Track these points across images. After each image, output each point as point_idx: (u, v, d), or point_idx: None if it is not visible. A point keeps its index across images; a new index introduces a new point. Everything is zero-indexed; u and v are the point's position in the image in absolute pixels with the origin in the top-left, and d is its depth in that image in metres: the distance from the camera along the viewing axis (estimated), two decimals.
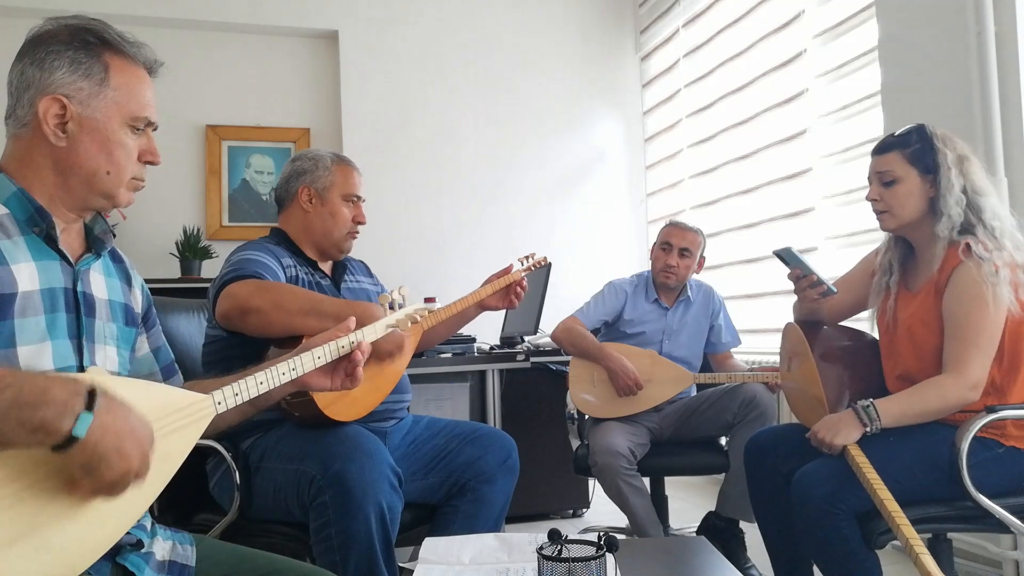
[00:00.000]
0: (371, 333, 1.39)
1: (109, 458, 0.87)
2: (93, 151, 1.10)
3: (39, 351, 1.02)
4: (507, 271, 2.14)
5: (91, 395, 0.86)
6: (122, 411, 0.90)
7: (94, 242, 1.17)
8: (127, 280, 1.26)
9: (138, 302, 1.27)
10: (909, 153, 1.80)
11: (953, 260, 1.72)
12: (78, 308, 1.10)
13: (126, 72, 1.12)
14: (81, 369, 1.07)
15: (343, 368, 1.31)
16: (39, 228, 1.07)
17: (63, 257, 1.10)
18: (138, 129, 1.14)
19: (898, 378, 1.85)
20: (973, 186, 1.76)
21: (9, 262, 1.02)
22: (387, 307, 1.54)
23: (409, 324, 1.54)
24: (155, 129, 1.17)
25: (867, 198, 1.86)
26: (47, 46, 1.09)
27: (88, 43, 1.10)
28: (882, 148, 1.85)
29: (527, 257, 2.26)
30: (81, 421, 0.84)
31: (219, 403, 1.10)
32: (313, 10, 4.28)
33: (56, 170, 1.09)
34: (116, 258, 1.25)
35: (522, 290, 2.13)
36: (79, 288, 1.11)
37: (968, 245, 1.71)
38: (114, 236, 1.21)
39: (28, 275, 1.03)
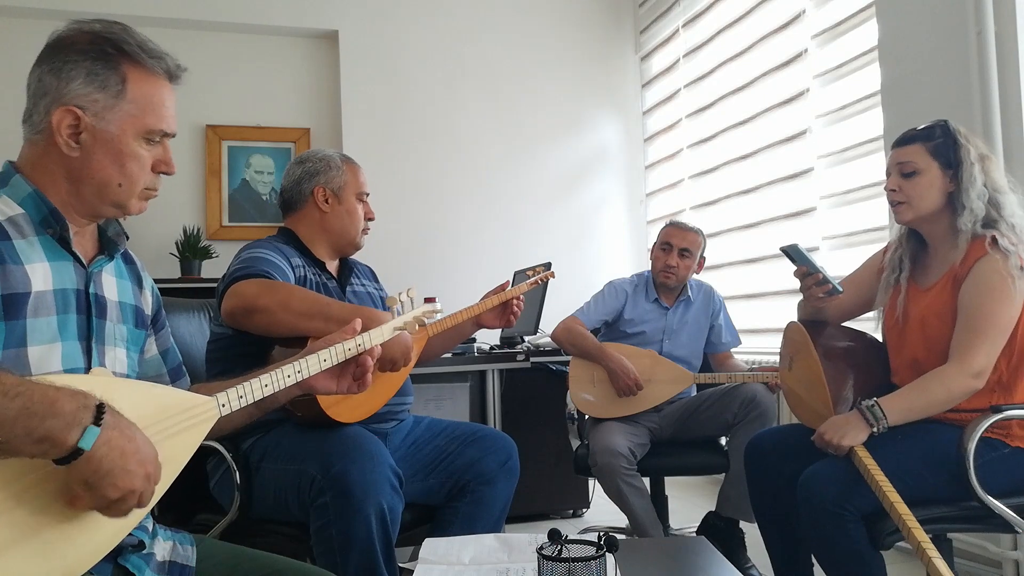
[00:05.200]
0: (378, 336, 1.39)
1: (113, 474, 0.87)
2: (106, 163, 1.09)
3: (49, 352, 1.03)
4: (503, 287, 2.12)
5: (99, 410, 0.86)
6: (129, 431, 0.90)
7: (107, 244, 1.18)
8: (138, 282, 1.26)
9: (148, 304, 1.27)
10: (932, 147, 1.80)
11: (978, 252, 1.72)
12: (89, 310, 1.10)
13: (144, 84, 1.11)
14: (88, 371, 1.07)
15: (350, 372, 1.31)
16: (53, 230, 1.08)
17: (76, 259, 1.10)
18: (154, 140, 1.13)
19: (907, 367, 1.84)
20: (994, 184, 1.77)
21: (24, 262, 1.02)
22: (394, 310, 1.54)
23: (417, 327, 1.53)
24: (173, 137, 1.16)
25: (886, 188, 1.85)
26: (65, 54, 1.08)
27: (107, 53, 1.09)
28: (904, 140, 1.85)
29: (532, 270, 2.25)
30: (88, 434, 0.84)
31: (223, 405, 1.10)
32: (313, 10, 4.28)
33: (68, 178, 1.09)
34: (128, 260, 1.26)
35: (519, 309, 2.11)
36: (91, 290, 1.11)
37: (995, 238, 1.71)
38: (127, 238, 1.21)
39: (42, 275, 1.04)
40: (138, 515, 0.99)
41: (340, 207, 1.97)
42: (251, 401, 1.14)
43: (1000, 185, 1.78)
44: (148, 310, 1.27)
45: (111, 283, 1.17)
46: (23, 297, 1.00)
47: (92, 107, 1.07)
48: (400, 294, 1.56)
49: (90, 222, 1.15)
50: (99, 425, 0.85)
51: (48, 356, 1.02)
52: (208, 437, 1.10)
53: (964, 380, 1.67)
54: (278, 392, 1.20)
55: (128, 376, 1.16)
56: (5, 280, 0.99)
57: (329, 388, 1.30)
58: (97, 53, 1.08)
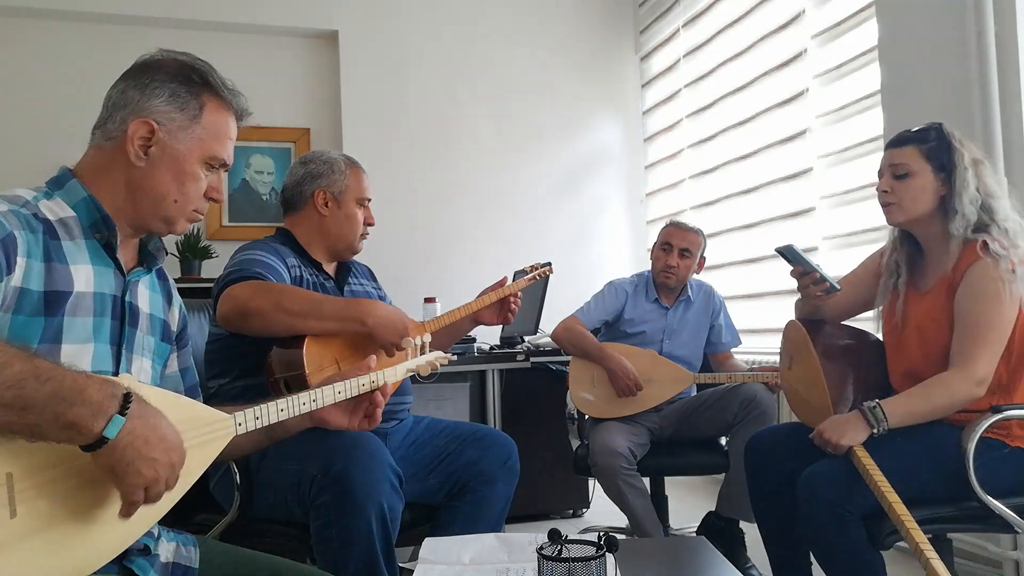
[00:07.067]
0: (391, 375, 1.42)
1: (136, 464, 0.89)
2: (168, 178, 1.15)
3: (81, 351, 1.05)
4: (502, 283, 2.12)
5: (126, 399, 0.89)
6: (154, 420, 0.93)
7: (146, 257, 1.22)
8: (168, 298, 1.30)
9: (175, 320, 1.31)
10: (926, 149, 1.79)
11: (970, 257, 1.73)
12: (123, 317, 1.13)
13: (218, 114, 1.20)
14: (115, 375, 1.09)
15: (363, 408, 1.36)
16: (101, 235, 1.12)
17: (117, 266, 1.14)
18: (212, 167, 1.19)
19: (904, 375, 1.85)
20: (986, 188, 1.77)
21: (70, 262, 1.06)
22: (408, 352, 1.57)
23: (428, 371, 1.56)
24: (227, 170, 1.23)
25: (878, 189, 1.85)
26: (153, 74, 1.15)
27: (191, 80, 1.17)
28: (898, 141, 1.85)
29: (531, 267, 2.25)
30: (113, 423, 0.87)
31: (240, 424, 1.13)
32: (313, 10, 4.28)
33: (128, 187, 1.14)
34: (162, 276, 1.30)
35: (516, 305, 2.11)
36: (127, 298, 1.14)
37: (985, 243, 1.71)
38: (167, 254, 1.25)
39: (85, 277, 1.07)
40: (149, 519, 1.01)
41: (340, 212, 1.97)
42: (267, 423, 1.17)
43: (993, 190, 1.78)
44: (174, 326, 1.30)
45: (144, 295, 1.21)
46: (64, 296, 1.04)
47: (168, 124, 1.14)
48: (414, 338, 1.59)
49: (135, 234, 1.19)
50: (124, 415, 0.88)
51: (80, 355, 1.05)
52: (219, 457, 1.12)
53: (967, 387, 1.67)
54: (290, 420, 1.24)
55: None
56: (50, 277, 1.03)
57: (341, 423, 1.35)
58: (183, 78, 1.17)
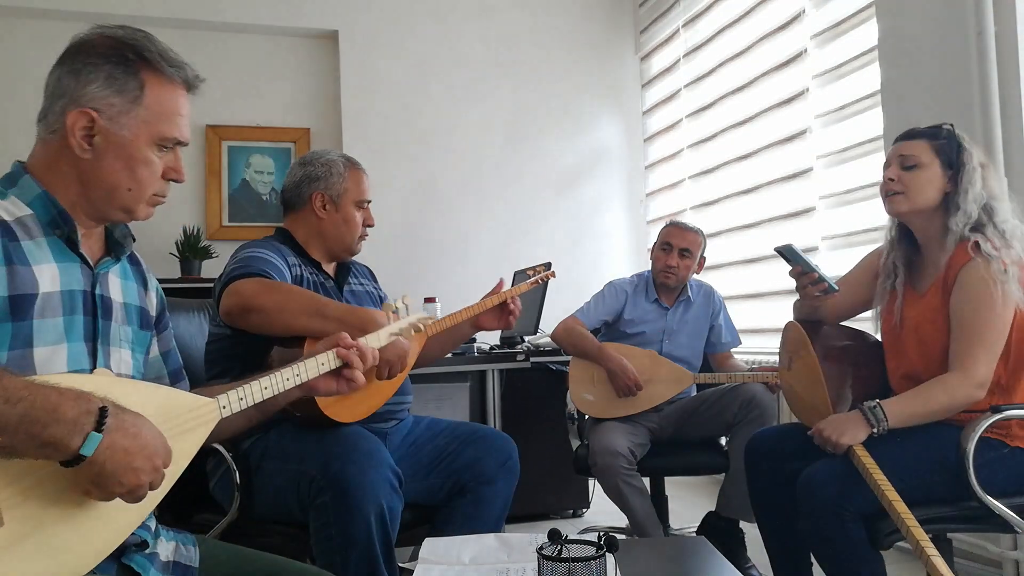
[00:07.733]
0: (375, 340, 1.40)
1: (117, 475, 0.88)
2: (117, 167, 1.09)
3: (54, 353, 1.03)
4: (498, 288, 2.12)
5: (102, 413, 0.87)
6: (134, 428, 0.90)
7: (114, 246, 1.18)
8: (143, 283, 1.26)
9: (152, 305, 1.28)
10: (936, 145, 1.80)
11: (962, 258, 1.73)
12: (95, 311, 1.11)
13: (161, 91, 1.11)
14: (92, 372, 1.07)
15: (346, 373, 1.34)
16: (61, 231, 1.08)
17: (83, 260, 1.11)
18: (166, 147, 1.13)
19: (903, 377, 1.85)
20: (990, 190, 1.78)
21: (32, 263, 1.03)
22: (390, 315, 1.55)
23: (412, 333, 1.54)
24: (185, 146, 1.17)
25: (885, 178, 1.85)
26: (86, 57, 1.09)
27: (127, 59, 1.09)
28: (909, 135, 1.86)
29: (532, 270, 2.24)
30: (89, 440, 0.85)
31: (224, 407, 1.11)
32: (313, 10, 4.28)
33: (79, 180, 1.10)
34: (133, 260, 1.26)
35: (515, 308, 2.10)
36: (97, 291, 1.12)
37: (977, 243, 1.71)
38: (134, 240, 1.21)
39: (49, 276, 1.04)
40: (141, 513, 1.00)
41: (337, 215, 1.96)
42: (251, 403, 1.15)
43: (996, 192, 1.79)
44: (152, 311, 1.27)
45: (116, 284, 1.18)
46: (30, 298, 1.01)
47: (108, 111, 1.08)
48: (396, 301, 1.57)
49: (98, 224, 1.15)
50: (101, 430, 0.86)
51: (54, 357, 1.03)
52: (208, 440, 1.11)
53: (968, 390, 1.68)
54: (278, 395, 1.21)
55: (133, 378, 1.16)
56: (13, 281, 0.99)
57: (330, 388, 1.33)
58: (118, 58, 1.09)
